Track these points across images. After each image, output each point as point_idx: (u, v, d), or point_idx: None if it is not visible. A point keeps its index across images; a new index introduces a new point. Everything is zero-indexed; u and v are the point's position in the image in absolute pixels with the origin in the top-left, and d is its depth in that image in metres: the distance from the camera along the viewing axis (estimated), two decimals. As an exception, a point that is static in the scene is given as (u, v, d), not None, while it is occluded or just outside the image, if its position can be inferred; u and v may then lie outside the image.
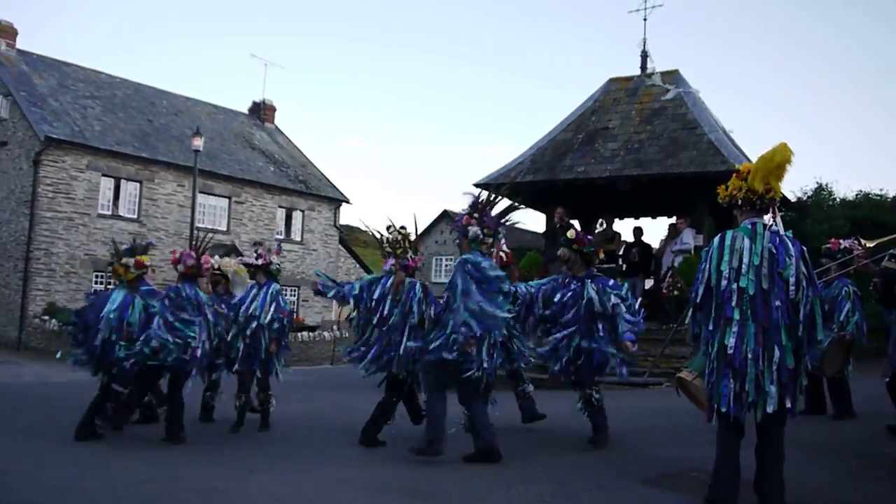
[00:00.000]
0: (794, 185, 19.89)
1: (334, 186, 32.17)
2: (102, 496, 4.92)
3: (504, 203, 6.44)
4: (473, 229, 6.07)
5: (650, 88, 14.79)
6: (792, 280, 4.36)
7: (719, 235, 4.59)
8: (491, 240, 6.11)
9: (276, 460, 6.26)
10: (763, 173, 4.56)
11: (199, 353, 6.95)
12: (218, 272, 8.28)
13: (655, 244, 14.17)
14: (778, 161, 4.57)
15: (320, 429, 7.69)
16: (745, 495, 4.51)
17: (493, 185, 14.76)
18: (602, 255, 7.00)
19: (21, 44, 25.99)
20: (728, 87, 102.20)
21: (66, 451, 6.66)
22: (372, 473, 5.66)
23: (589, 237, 6.83)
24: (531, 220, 36.27)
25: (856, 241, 7.97)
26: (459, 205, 7.17)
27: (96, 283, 23.75)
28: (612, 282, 6.67)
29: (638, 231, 14.08)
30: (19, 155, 23.53)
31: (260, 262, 7.84)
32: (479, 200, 6.25)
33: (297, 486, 5.33)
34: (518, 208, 6.55)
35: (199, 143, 21.27)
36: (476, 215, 6.13)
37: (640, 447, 6.70)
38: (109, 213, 24.38)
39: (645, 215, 16.09)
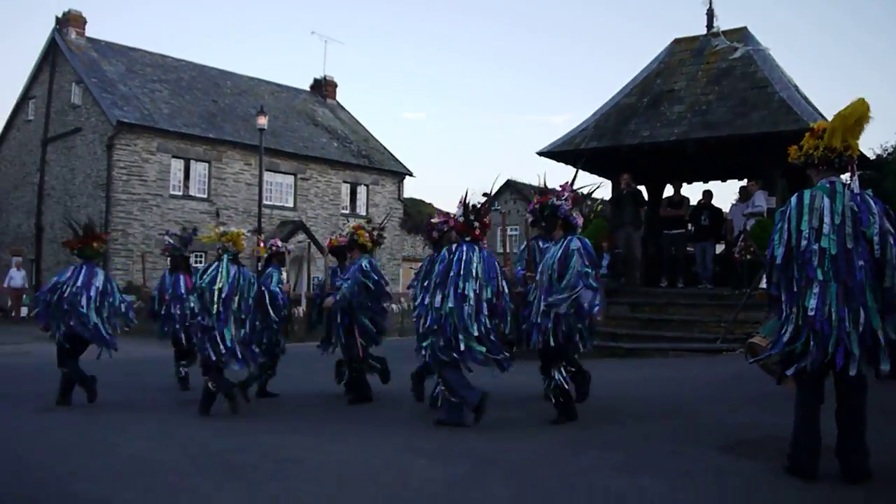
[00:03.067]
0: (873, 143, 19.12)
1: (397, 160, 32.31)
2: (183, 466, 5.09)
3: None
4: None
5: (717, 48, 14.33)
6: (876, 239, 4.20)
7: (797, 195, 4.43)
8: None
9: (349, 430, 6.38)
10: (841, 130, 4.39)
11: None
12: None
13: (726, 208, 13.84)
14: (856, 117, 4.39)
15: (389, 399, 7.80)
16: (827, 462, 4.41)
17: (557, 152, 14.67)
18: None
19: (90, 31, 26.74)
20: (801, 44, 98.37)
21: (148, 422, 6.92)
22: (442, 441, 5.71)
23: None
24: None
25: None
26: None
27: (171, 262, 24.42)
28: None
29: (707, 195, 13.76)
30: (93, 140, 24.33)
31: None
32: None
33: (370, 454, 5.42)
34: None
35: (263, 121, 21.61)
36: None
37: (714, 414, 6.59)
38: (181, 193, 25.04)
39: (714, 178, 15.70)
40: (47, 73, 26.82)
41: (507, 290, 6.44)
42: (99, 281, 8.01)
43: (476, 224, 6.46)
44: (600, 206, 7.10)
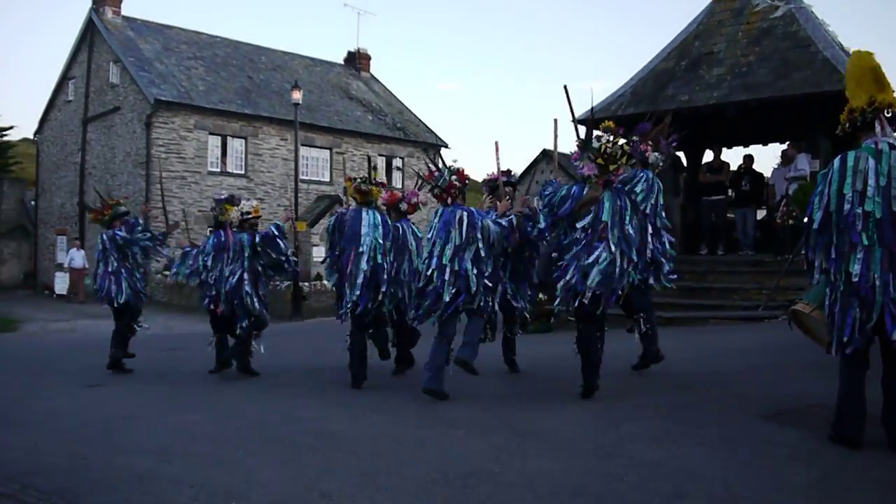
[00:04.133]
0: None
1: (432, 132, 32.18)
2: (227, 438, 5.18)
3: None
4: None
5: (757, 7, 13.94)
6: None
7: (840, 156, 4.29)
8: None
9: (387, 401, 6.42)
10: (855, 90, 4.25)
11: None
12: None
13: (767, 172, 13.56)
14: (861, 72, 4.25)
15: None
16: (872, 430, 4.32)
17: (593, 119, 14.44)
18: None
19: (125, 10, 26.97)
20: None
21: (192, 396, 7.05)
22: (482, 413, 5.72)
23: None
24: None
25: None
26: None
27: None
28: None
29: (748, 159, 13.48)
30: (132, 119, 24.61)
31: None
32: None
33: (409, 426, 5.45)
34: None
35: (298, 96, 21.63)
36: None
37: (757, 383, 6.49)
38: (218, 170, 25.27)
39: (755, 142, 15.31)
40: (86, 54, 27.14)
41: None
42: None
43: (438, 191, 6.52)
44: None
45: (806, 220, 4.41)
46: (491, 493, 3.82)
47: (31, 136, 32.02)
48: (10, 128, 37.08)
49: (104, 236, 8.68)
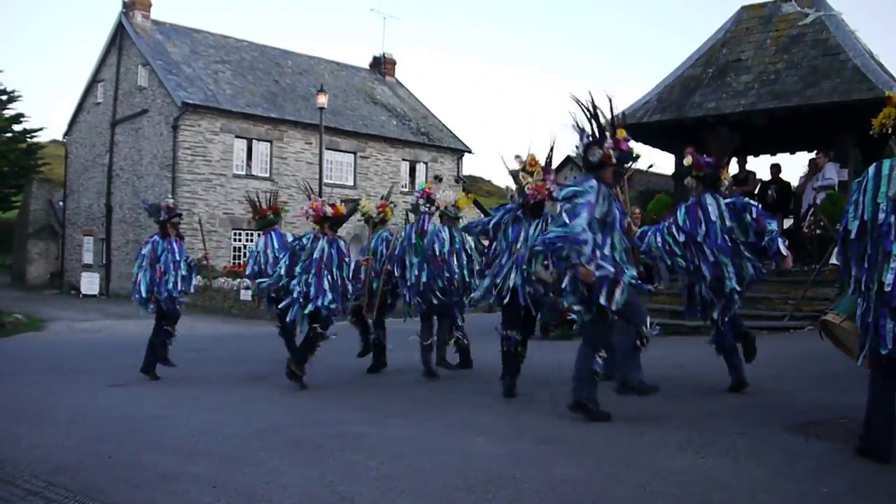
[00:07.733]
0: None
1: (456, 137, 32.22)
2: (250, 439, 5.20)
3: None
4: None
5: (787, 14, 13.82)
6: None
7: (875, 164, 4.23)
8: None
9: (410, 406, 6.42)
10: None
11: None
12: None
13: (795, 181, 13.42)
14: None
15: (449, 377, 7.81)
16: (902, 443, 4.25)
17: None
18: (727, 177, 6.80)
19: (154, 14, 27.30)
20: (877, 7, 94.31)
21: (215, 397, 7.09)
22: (504, 419, 5.70)
23: (707, 160, 6.62)
24: (659, 162, 35.07)
25: None
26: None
27: (235, 240, 24.97)
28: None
29: (775, 168, 13.35)
30: (159, 121, 24.88)
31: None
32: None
33: (431, 431, 5.45)
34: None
35: (323, 100, 21.75)
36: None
37: (783, 393, 6.42)
38: (244, 173, 25.46)
39: (783, 151, 15.20)
40: (115, 57, 27.50)
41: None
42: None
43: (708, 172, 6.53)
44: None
45: (841, 229, 4.34)
46: (512, 499, 3.80)
47: (61, 138, 32.47)
48: (40, 129, 37.79)
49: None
